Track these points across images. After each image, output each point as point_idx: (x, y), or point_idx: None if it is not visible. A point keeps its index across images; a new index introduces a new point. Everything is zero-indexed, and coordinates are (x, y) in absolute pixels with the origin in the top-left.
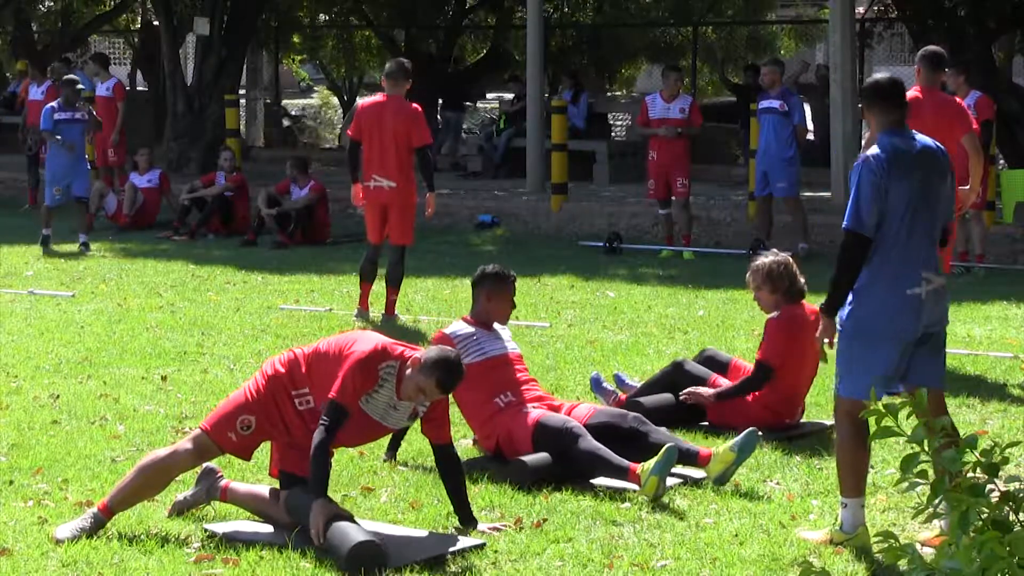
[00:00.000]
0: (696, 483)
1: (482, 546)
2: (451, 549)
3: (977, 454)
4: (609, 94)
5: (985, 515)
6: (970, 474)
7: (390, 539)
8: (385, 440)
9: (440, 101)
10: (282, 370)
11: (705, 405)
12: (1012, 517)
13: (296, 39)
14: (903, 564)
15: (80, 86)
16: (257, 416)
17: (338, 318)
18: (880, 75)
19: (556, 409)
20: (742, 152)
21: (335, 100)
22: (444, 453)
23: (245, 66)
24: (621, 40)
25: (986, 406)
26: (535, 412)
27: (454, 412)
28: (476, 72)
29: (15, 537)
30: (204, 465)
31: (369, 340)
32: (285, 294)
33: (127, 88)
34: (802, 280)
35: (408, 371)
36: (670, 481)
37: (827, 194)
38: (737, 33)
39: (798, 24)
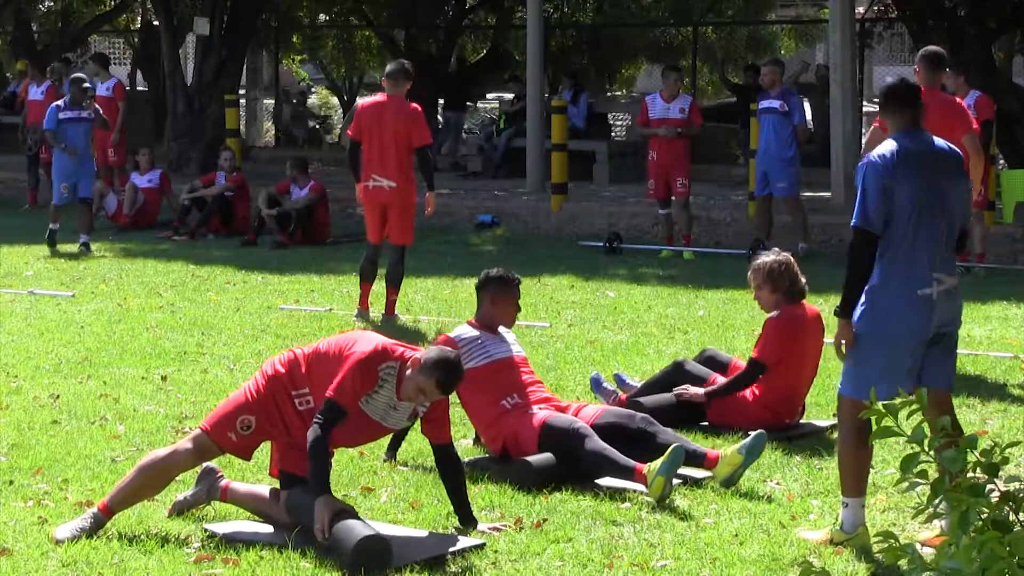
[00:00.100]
0: (697, 483)
1: (482, 546)
2: (451, 549)
3: (977, 454)
4: (609, 94)
5: (985, 515)
6: (970, 474)
7: (390, 539)
8: (385, 440)
9: (441, 101)
10: (282, 370)
11: (705, 405)
12: (1012, 517)
13: (296, 39)
14: (903, 564)
15: (87, 84)
16: (257, 416)
17: (338, 318)
18: (893, 79)
19: (563, 410)
20: (742, 152)
21: (334, 100)
22: (444, 453)
23: (245, 66)
24: (621, 40)
25: (986, 406)
26: (541, 413)
27: (454, 412)
28: (477, 72)
29: (15, 537)
30: (204, 465)
31: (369, 341)
32: (285, 294)
33: (127, 88)
34: (803, 280)
35: (408, 372)
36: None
37: (827, 194)
38: (737, 33)
39: (798, 24)
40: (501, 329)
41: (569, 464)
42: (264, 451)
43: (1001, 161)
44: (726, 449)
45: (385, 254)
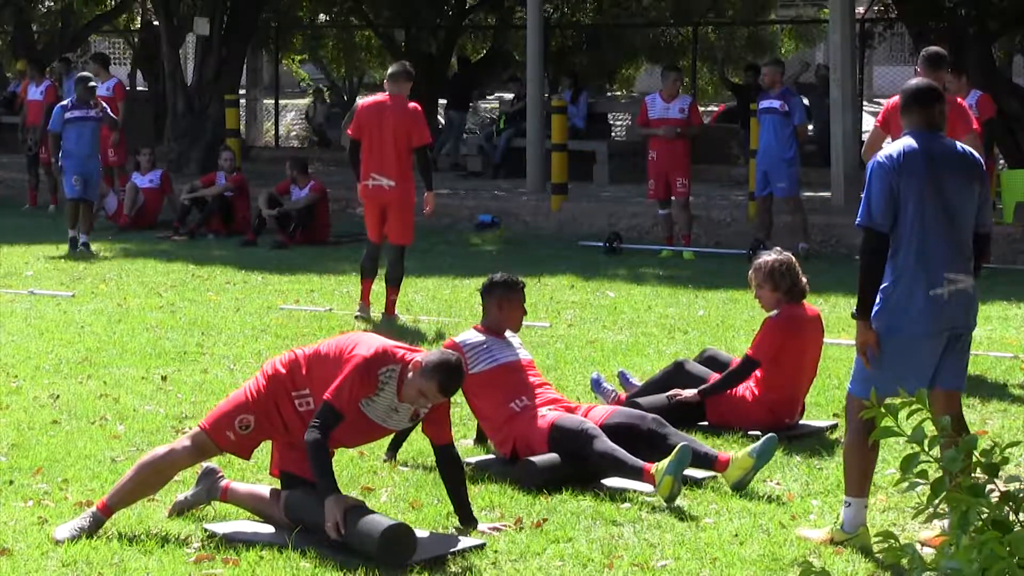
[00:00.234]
0: (697, 483)
1: (482, 546)
2: (451, 549)
3: (977, 454)
4: (609, 94)
5: (985, 515)
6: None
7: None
8: (385, 440)
9: (444, 101)
10: (283, 371)
11: (700, 404)
12: (1012, 517)
13: (296, 39)
14: (903, 564)
15: (92, 83)
16: (256, 416)
17: (338, 318)
18: (912, 80)
19: (572, 411)
20: (742, 152)
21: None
22: (445, 453)
23: (245, 66)
24: (621, 40)
25: (986, 406)
26: (551, 414)
27: (455, 412)
28: (481, 72)
29: (15, 537)
30: (204, 465)
31: (370, 343)
32: (285, 294)
33: (127, 88)
34: (804, 280)
35: (409, 375)
36: None
37: (827, 194)
38: (737, 33)
39: (798, 24)
40: (508, 334)
41: (577, 464)
42: (264, 451)
43: (1001, 161)
44: (737, 452)
45: (385, 253)
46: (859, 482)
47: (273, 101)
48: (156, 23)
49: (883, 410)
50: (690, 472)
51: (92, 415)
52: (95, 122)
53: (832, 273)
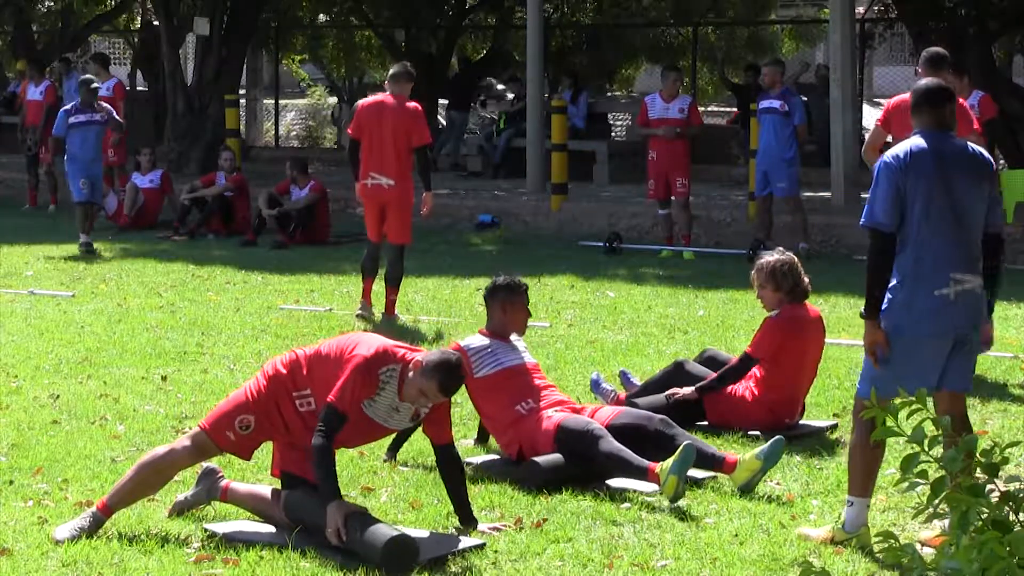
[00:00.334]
0: (697, 483)
1: (482, 546)
2: (451, 549)
3: (977, 454)
4: (609, 94)
5: (985, 515)
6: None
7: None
8: (385, 440)
9: (446, 101)
10: (283, 371)
11: (704, 405)
12: (1012, 517)
13: (296, 39)
14: (903, 564)
15: (95, 85)
16: (256, 416)
17: (338, 318)
18: (922, 80)
19: (579, 412)
20: (742, 152)
21: (332, 100)
22: (445, 453)
23: (245, 66)
24: (621, 40)
25: (986, 406)
26: (556, 416)
27: (456, 412)
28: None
29: (15, 537)
30: (204, 465)
31: (370, 343)
32: (285, 294)
33: (127, 88)
34: (806, 280)
35: (410, 374)
36: None
37: (827, 194)
38: (737, 33)
39: (798, 24)
40: (512, 337)
41: (583, 465)
42: (264, 451)
43: (1001, 161)
44: (744, 455)
45: (384, 253)
46: (863, 482)
47: (273, 101)
48: (156, 23)
49: (883, 410)
50: (691, 472)
51: (92, 415)
52: (99, 126)
53: (832, 273)
